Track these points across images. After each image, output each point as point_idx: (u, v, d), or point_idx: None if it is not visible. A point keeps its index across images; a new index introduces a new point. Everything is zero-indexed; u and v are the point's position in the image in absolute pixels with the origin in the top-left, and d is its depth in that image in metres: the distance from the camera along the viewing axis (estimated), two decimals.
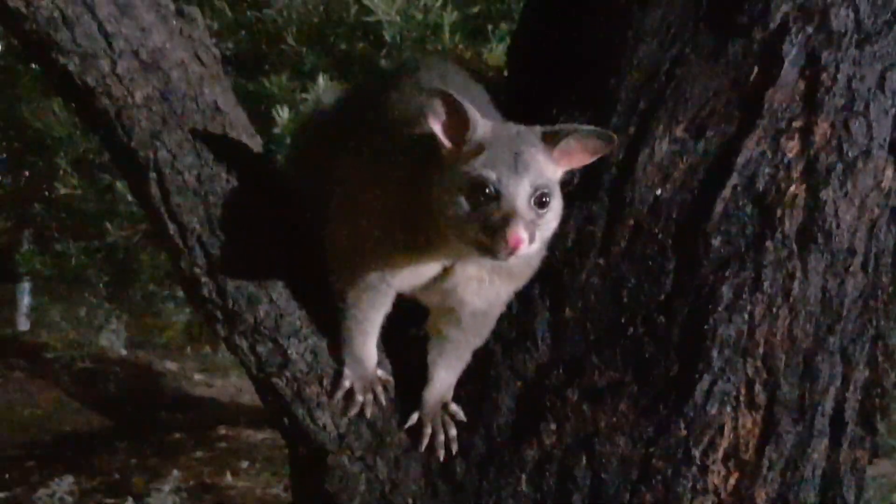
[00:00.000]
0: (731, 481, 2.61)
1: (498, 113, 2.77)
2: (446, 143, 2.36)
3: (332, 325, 2.71)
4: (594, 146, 2.37)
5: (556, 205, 2.37)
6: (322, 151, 2.91)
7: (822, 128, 2.64)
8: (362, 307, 2.64)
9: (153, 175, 2.66)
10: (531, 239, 2.26)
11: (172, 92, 2.66)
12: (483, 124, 2.35)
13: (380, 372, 2.76)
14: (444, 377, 2.77)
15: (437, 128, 2.35)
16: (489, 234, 2.27)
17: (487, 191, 2.28)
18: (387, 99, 2.78)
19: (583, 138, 2.35)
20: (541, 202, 2.31)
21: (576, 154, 2.38)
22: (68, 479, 6.83)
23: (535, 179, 2.30)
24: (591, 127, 2.34)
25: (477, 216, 2.29)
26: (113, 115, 2.63)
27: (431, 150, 2.41)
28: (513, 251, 2.23)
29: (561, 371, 2.69)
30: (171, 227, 2.69)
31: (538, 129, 2.37)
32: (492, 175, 2.28)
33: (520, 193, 2.28)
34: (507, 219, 2.24)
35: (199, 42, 2.74)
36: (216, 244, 2.69)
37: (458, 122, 2.35)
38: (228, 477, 7.84)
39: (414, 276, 2.55)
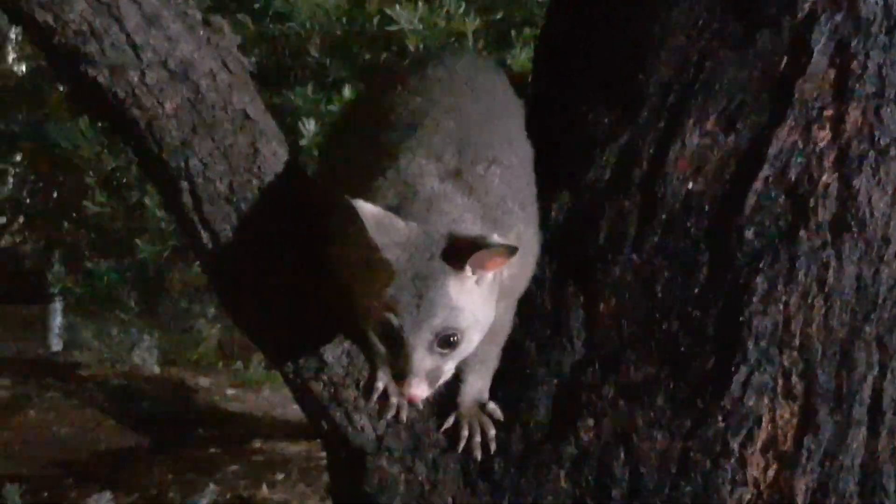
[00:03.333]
0: (771, 472, 2.61)
1: (520, 112, 2.80)
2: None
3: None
4: (501, 258, 2.33)
5: (477, 317, 2.38)
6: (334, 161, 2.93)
7: (852, 116, 2.63)
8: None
9: (185, 184, 2.68)
10: (431, 386, 2.34)
11: (202, 101, 2.67)
12: (393, 247, 2.31)
13: None
14: (473, 380, 2.76)
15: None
16: (394, 370, 2.39)
17: (393, 333, 2.32)
18: (390, 99, 2.78)
19: (488, 253, 2.30)
20: (448, 342, 2.33)
21: (490, 263, 2.34)
22: (106, 496, 6.86)
23: (441, 323, 2.31)
24: (494, 242, 2.28)
25: (388, 354, 2.42)
26: (143, 125, 2.65)
27: None
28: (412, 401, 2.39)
29: (596, 367, 2.69)
30: (204, 235, 2.71)
31: (443, 244, 2.32)
32: (395, 321, 2.30)
33: (419, 345, 2.31)
34: (404, 375, 2.32)
35: (226, 51, 2.74)
36: (249, 251, 2.71)
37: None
38: (265, 489, 7.84)
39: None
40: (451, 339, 2.34)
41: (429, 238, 2.32)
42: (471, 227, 2.37)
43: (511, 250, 2.29)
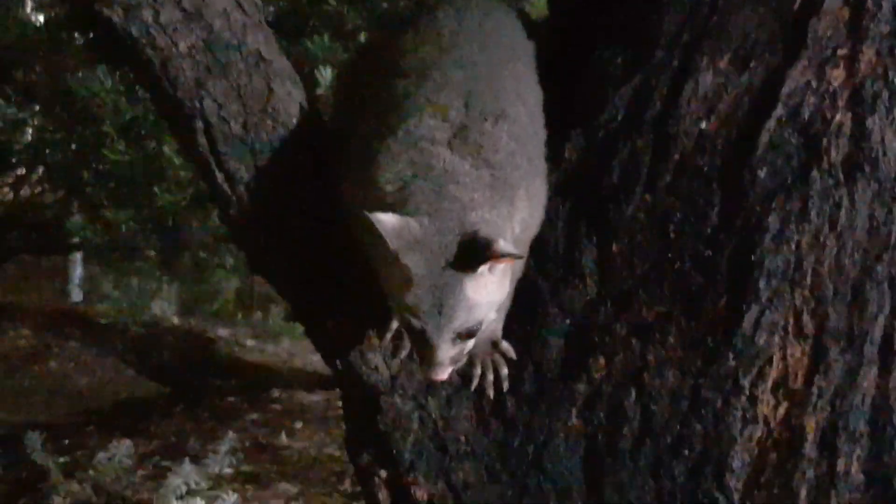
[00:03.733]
0: (781, 411, 2.62)
1: (530, 56, 2.81)
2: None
3: None
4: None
5: (493, 301, 2.49)
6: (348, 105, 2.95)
7: (867, 55, 2.63)
8: None
9: (200, 124, 2.70)
10: (453, 365, 2.49)
11: (215, 41, 2.68)
12: (410, 253, 2.37)
13: None
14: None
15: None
16: (420, 356, 2.52)
17: (416, 331, 2.43)
18: (398, 45, 2.79)
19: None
20: (469, 333, 2.45)
21: (501, 260, 2.40)
22: (126, 444, 6.88)
23: (462, 323, 2.41)
24: (504, 251, 2.35)
25: (412, 341, 2.56)
26: (158, 66, 2.66)
27: None
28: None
29: (609, 307, 2.70)
30: (219, 176, 2.73)
31: (455, 248, 2.39)
32: (417, 324, 2.40)
33: (443, 343, 2.42)
34: (430, 363, 2.46)
35: None
36: (264, 191, 2.72)
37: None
38: (283, 437, 7.87)
39: None
40: (472, 329, 2.45)
41: (442, 239, 2.38)
42: (483, 212, 2.42)
43: (518, 256, 2.42)
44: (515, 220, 2.51)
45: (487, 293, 2.43)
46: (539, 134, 2.69)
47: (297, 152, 2.77)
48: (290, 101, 2.77)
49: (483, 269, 2.37)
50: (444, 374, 2.47)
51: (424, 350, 2.46)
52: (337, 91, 3.60)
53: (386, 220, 2.33)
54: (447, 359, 2.45)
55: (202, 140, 2.71)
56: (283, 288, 2.97)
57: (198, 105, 2.68)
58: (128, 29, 2.62)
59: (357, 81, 2.98)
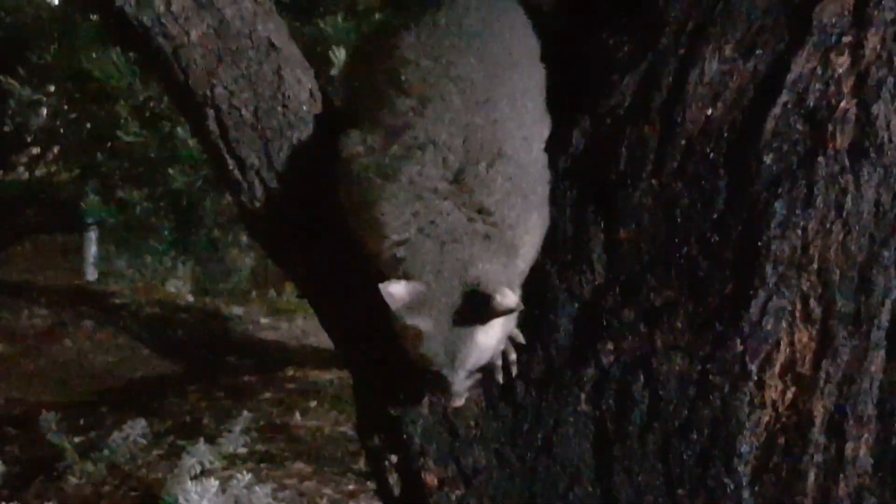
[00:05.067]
0: (789, 395, 2.63)
1: (532, 55, 2.83)
2: None
3: None
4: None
5: (502, 336, 2.61)
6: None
7: (872, 42, 2.62)
8: None
9: (211, 112, 2.72)
10: (469, 388, 2.63)
11: (226, 29, 2.70)
12: (419, 317, 2.48)
13: None
14: None
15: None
16: (435, 387, 2.66)
17: (431, 370, 2.54)
18: (400, 50, 2.78)
19: None
20: (481, 367, 2.58)
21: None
22: (141, 423, 6.94)
23: (474, 363, 2.55)
24: (507, 306, 2.45)
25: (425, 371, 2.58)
26: (169, 54, 2.69)
27: None
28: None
29: (617, 292, 2.72)
30: (231, 163, 2.75)
31: (460, 302, 2.50)
32: (433, 367, 2.52)
33: (457, 380, 2.55)
34: (446, 395, 2.62)
35: None
36: (274, 178, 2.75)
37: None
38: (297, 416, 7.93)
39: None
40: (486, 365, 2.60)
41: (448, 297, 2.49)
42: (483, 265, 2.52)
43: (519, 308, 2.51)
44: (518, 259, 2.60)
45: (496, 332, 2.54)
46: (538, 164, 2.72)
47: (308, 139, 2.79)
48: (300, 88, 2.79)
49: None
50: (460, 402, 2.61)
51: (441, 385, 2.57)
52: (344, 82, 3.61)
53: (396, 293, 2.44)
54: (463, 389, 2.57)
55: (213, 127, 2.73)
56: (294, 272, 3.00)
57: (209, 93, 2.70)
58: (139, 18, 2.64)
59: (359, 79, 2.97)
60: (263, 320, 10.91)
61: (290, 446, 7.35)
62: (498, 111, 2.64)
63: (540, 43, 2.87)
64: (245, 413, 7.08)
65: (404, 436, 2.79)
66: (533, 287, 2.72)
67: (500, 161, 2.58)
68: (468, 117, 2.60)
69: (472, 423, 2.77)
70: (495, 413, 2.77)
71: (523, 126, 2.68)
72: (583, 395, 2.72)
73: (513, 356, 2.75)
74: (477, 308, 2.46)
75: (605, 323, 2.71)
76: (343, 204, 2.67)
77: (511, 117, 2.66)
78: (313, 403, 8.26)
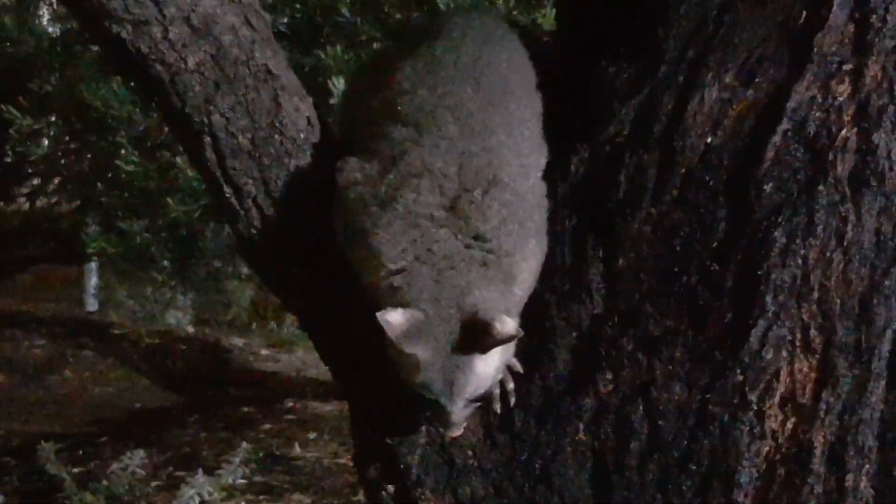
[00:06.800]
0: (789, 426, 2.61)
1: (528, 84, 2.83)
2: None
3: None
4: None
5: (501, 364, 2.59)
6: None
7: (872, 70, 2.62)
8: None
9: (208, 139, 2.72)
10: (467, 418, 2.60)
11: (224, 56, 2.70)
12: (417, 346, 2.46)
13: None
14: None
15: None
16: (434, 417, 2.63)
17: (428, 398, 2.52)
18: (397, 81, 2.79)
19: None
20: (480, 397, 2.55)
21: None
22: (140, 454, 6.90)
23: (473, 391, 2.51)
24: (506, 334, 2.43)
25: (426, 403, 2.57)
26: (167, 81, 2.69)
27: None
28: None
29: (616, 321, 2.70)
30: (228, 191, 2.75)
31: (459, 331, 2.48)
32: (431, 395, 2.50)
33: (455, 409, 2.52)
34: (444, 425, 2.58)
35: (248, 6, 2.77)
36: (272, 206, 2.74)
37: None
38: (297, 448, 7.90)
39: None
40: (484, 394, 2.56)
41: (445, 325, 2.47)
42: (480, 292, 2.50)
43: (518, 335, 2.46)
44: (516, 287, 2.59)
45: (494, 361, 2.52)
46: (535, 192, 2.72)
47: (305, 167, 2.78)
48: (298, 115, 2.79)
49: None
50: (459, 431, 2.58)
51: (439, 414, 2.55)
52: (342, 111, 3.63)
53: (393, 321, 2.41)
54: (461, 419, 2.55)
55: (210, 155, 2.73)
56: (290, 302, 2.99)
57: (206, 120, 2.70)
58: (136, 45, 2.64)
59: (357, 109, 2.98)
60: (263, 352, 10.91)
61: (290, 478, 7.33)
62: (494, 139, 2.64)
63: (538, 72, 2.87)
64: (244, 444, 7.04)
65: (402, 466, 2.76)
66: (531, 316, 2.70)
67: (495, 188, 2.57)
68: (464, 145, 2.60)
69: (470, 453, 2.75)
70: (493, 443, 2.76)
71: (520, 154, 2.68)
72: (581, 425, 2.70)
73: (511, 385, 2.73)
74: (476, 336, 2.44)
75: (603, 352, 2.70)
76: (339, 232, 2.66)
77: (507, 145, 2.65)
78: (313, 435, 8.24)
